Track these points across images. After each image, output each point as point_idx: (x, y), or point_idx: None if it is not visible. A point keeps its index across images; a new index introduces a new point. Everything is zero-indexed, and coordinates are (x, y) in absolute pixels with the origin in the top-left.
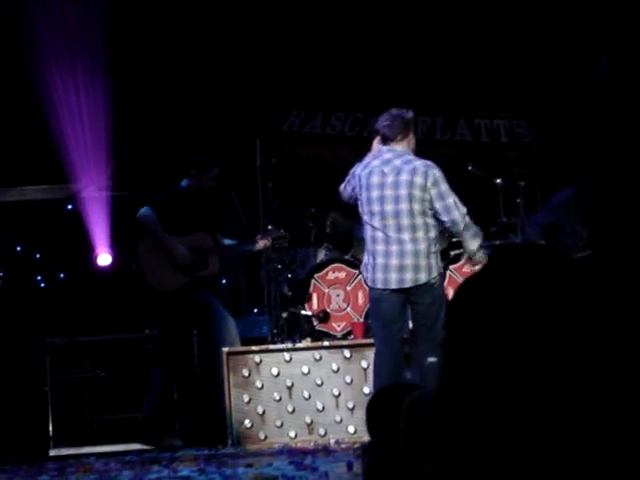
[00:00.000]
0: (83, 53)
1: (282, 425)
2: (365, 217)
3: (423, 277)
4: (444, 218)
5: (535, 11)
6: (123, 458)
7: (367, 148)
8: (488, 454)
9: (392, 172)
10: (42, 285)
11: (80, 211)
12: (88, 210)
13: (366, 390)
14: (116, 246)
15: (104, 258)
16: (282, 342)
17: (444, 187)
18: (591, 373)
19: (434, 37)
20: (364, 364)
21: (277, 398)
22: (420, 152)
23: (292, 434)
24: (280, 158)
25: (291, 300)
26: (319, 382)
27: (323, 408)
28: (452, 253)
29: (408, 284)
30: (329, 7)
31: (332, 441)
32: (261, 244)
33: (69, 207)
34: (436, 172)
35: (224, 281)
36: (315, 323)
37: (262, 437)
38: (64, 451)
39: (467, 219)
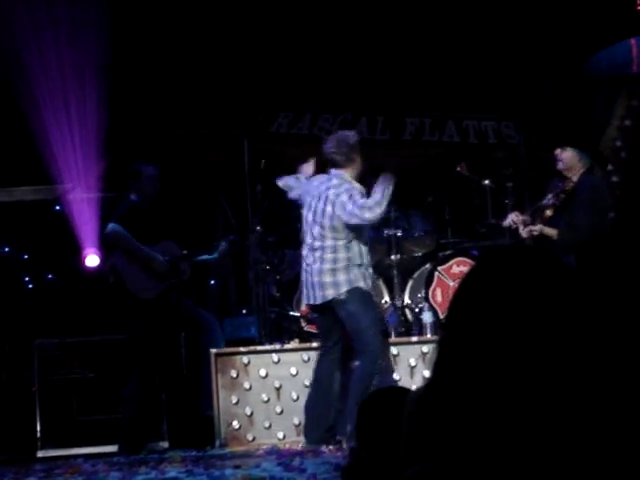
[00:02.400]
0: (72, 54)
1: (270, 426)
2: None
3: (330, 294)
4: (344, 217)
5: (524, 13)
6: (111, 459)
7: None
8: (483, 449)
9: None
10: (30, 286)
11: (68, 212)
12: (76, 211)
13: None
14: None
15: (92, 259)
16: (270, 343)
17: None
18: (580, 369)
19: (423, 38)
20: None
21: (265, 399)
22: (409, 153)
23: (280, 435)
24: (268, 159)
25: (279, 301)
26: (307, 383)
27: None
28: (440, 254)
29: (318, 300)
30: (318, 9)
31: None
32: (224, 249)
33: (57, 208)
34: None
35: (213, 282)
36: (303, 324)
37: (250, 438)
38: (52, 452)
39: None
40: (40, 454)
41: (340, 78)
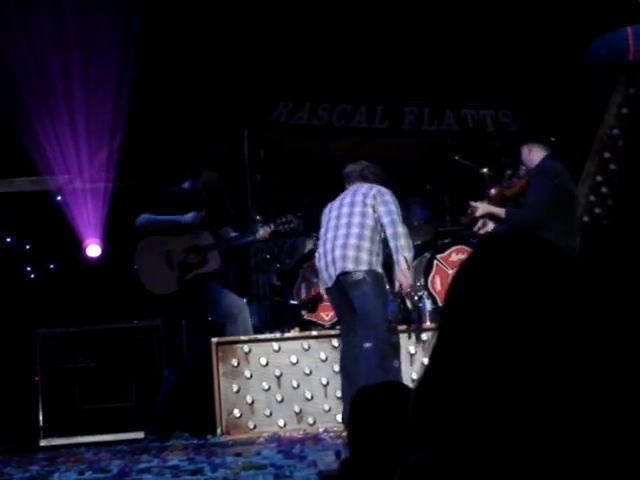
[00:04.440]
0: (76, 45)
1: (271, 414)
2: None
3: (349, 266)
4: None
5: (522, 1)
6: (113, 448)
7: (354, 138)
8: (482, 436)
9: None
10: (32, 276)
11: (70, 202)
12: (78, 201)
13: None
14: (105, 237)
15: (93, 249)
16: (271, 332)
17: None
18: (579, 356)
19: (422, 28)
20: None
21: (266, 387)
22: (407, 142)
23: (281, 423)
24: (268, 148)
25: (280, 290)
26: (308, 371)
27: (312, 397)
28: (439, 243)
29: (338, 271)
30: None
31: (321, 430)
32: (262, 232)
33: (59, 198)
34: None
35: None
36: (303, 313)
37: (251, 426)
38: (54, 441)
39: None
40: (43, 443)
41: (339, 68)
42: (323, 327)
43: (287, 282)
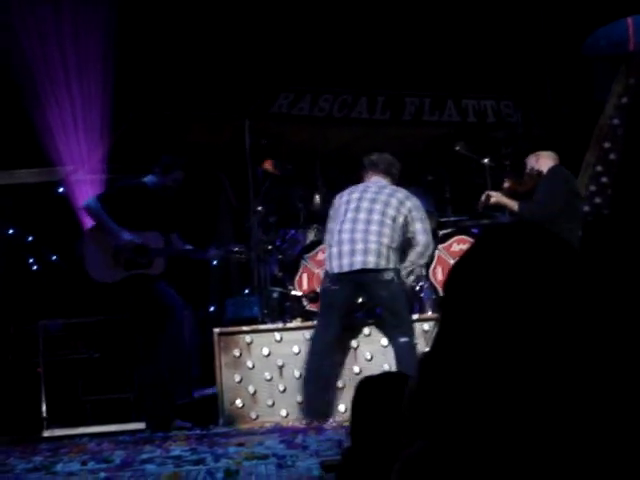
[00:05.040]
0: (75, 38)
1: (273, 404)
2: None
3: (371, 262)
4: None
5: None
6: (116, 438)
7: (355, 129)
8: (482, 427)
9: None
10: (34, 268)
11: (72, 194)
12: (80, 193)
13: (356, 369)
14: None
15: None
16: (273, 322)
17: None
18: (580, 349)
19: (423, 19)
20: (354, 343)
21: (268, 378)
22: (408, 133)
23: (283, 413)
24: (269, 139)
25: (281, 280)
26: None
27: None
28: (440, 233)
29: (357, 266)
30: None
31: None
32: (213, 254)
33: (61, 190)
34: None
35: (215, 262)
36: (305, 303)
37: (253, 416)
38: (57, 432)
39: None
40: (46, 434)
41: (340, 59)
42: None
43: (289, 273)
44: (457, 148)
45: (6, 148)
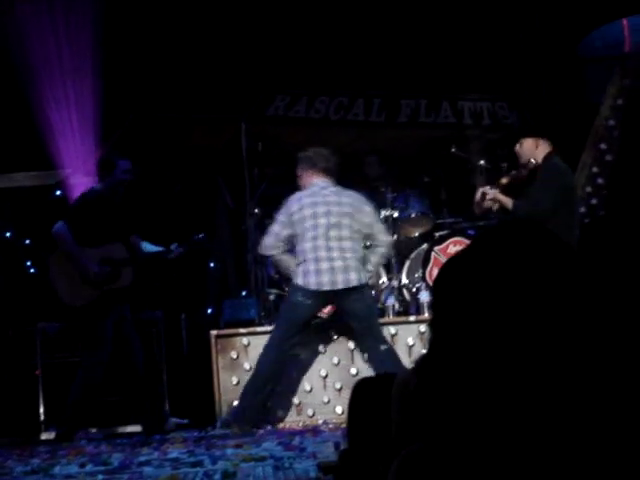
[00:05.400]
0: (70, 39)
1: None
2: None
3: (353, 279)
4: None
5: None
6: (114, 441)
7: (351, 131)
8: (477, 428)
9: None
10: (32, 271)
11: (69, 197)
12: (77, 195)
13: (353, 371)
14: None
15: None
16: (270, 324)
17: None
18: (575, 348)
19: (418, 21)
20: (351, 345)
21: None
22: (404, 135)
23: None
24: (266, 142)
25: (278, 283)
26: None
27: (311, 389)
28: (436, 235)
29: (339, 285)
30: None
31: (320, 421)
32: (176, 253)
33: (58, 193)
34: None
35: (212, 265)
36: None
37: None
38: (55, 434)
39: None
40: (44, 436)
41: (336, 61)
42: (322, 319)
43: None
44: (453, 150)
45: (3, 151)
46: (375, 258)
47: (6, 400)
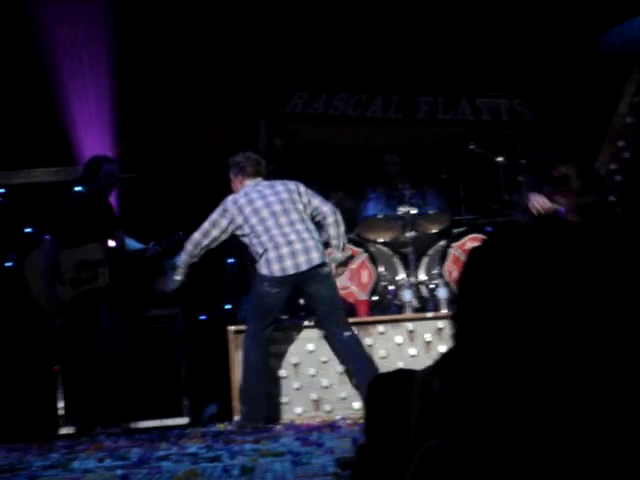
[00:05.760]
0: (89, 36)
1: (288, 402)
2: None
3: (315, 258)
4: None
5: None
6: (132, 436)
7: (369, 128)
8: (500, 426)
9: None
10: None
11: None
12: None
13: None
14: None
15: (110, 240)
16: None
17: None
18: (603, 339)
19: (435, 17)
20: (369, 341)
21: (283, 375)
22: (422, 132)
23: (298, 411)
24: (284, 138)
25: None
26: (324, 359)
27: (328, 385)
28: (454, 231)
29: (304, 267)
30: None
31: (337, 417)
32: (152, 251)
33: (77, 189)
34: None
35: (231, 260)
36: None
37: None
38: (74, 429)
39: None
40: (63, 431)
41: (354, 58)
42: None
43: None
44: (471, 147)
45: (24, 147)
46: (333, 230)
47: (25, 395)
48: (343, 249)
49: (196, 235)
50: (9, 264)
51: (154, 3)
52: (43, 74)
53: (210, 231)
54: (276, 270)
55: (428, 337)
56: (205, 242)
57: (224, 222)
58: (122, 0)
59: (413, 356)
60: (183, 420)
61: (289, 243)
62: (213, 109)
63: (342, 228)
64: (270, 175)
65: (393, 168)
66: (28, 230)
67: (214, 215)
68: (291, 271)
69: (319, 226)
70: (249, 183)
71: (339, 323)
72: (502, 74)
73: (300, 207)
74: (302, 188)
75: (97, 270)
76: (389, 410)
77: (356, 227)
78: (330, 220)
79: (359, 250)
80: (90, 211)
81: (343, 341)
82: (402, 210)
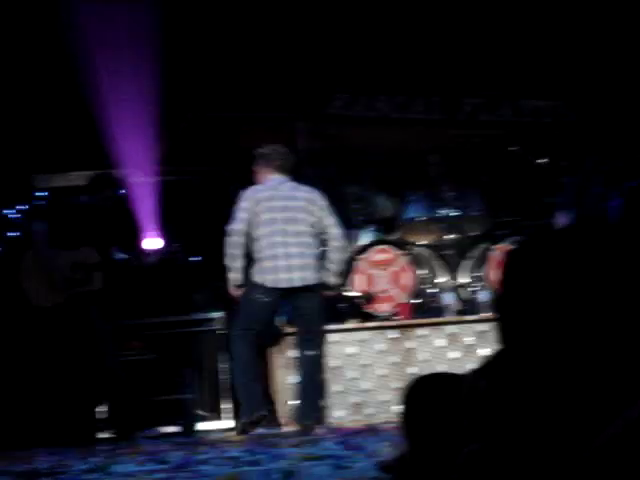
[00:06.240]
0: (131, 38)
1: (329, 406)
2: None
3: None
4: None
5: None
6: (173, 439)
7: (410, 130)
8: (546, 430)
9: None
10: None
11: (128, 196)
12: (135, 195)
13: (412, 371)
14: (163, 230)
15: (152, 242)
16: (328, 324)
17: None
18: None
19: (479, 19)
20: (410, 345)
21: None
22: (464, 133)
23: (340, 414)
24: (324, 141)
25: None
26: (365, 363)
27: (369, 389)
28: (496, 234)
29: (296, 283)
30: None
31: (379, 421)
32: (149, 260)
33: (117, 192)
34: None
35: None
36: (360, 304)
37: None
38: (115, 433)
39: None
40: (103, 435)
41: (395, 60)
42: (380, 319)
43: (345, 274)
44: (513, 148)
45: (63, 151)
46: (334, 254)
47: (65, 398)
48: (337, 276)
49: (228, 240)
50: None
51: (195, 6)
52: (83, 76)
53: (236, 227)
54: (269, 280)
55: (469, 340)
56: (238, 239)
57: (242, 214)
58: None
59: (454, 359)
60: (224, 424)
61: (288, 256)
62: (253, 111)
63: (343, 255)
64: (310, 178)
65: (433, 169)
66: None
67: (235, 213)
68: (283, 285)
69: (323, 244)
70: (274, 177)
71: (309, 340)
72: (544, 76)
73: (311, 220)
74: (321, 202)
75: (91, 272)
76: (429, 413)
77: (397, 230)
78: (335, 244)
79: (400, 253)
80: (89, 219)
81: (304, 358)
82: (443, 212)
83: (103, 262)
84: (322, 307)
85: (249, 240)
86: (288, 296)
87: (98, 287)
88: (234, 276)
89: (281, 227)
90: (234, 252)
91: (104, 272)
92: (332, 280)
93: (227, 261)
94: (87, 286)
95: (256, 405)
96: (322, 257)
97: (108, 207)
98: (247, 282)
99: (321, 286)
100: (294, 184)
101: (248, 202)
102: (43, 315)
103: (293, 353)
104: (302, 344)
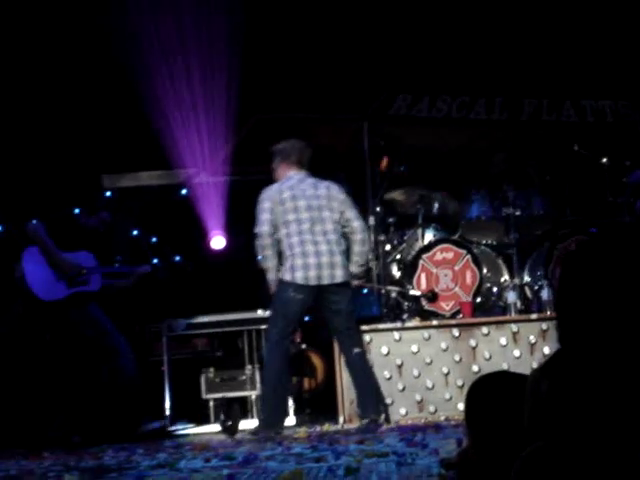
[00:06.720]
0: (199, 38)
1: (393, 403)
2: None
3: (339, 275)
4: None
5: None
6: (238, 436)
7: (473, 130)
8: (607, 428)
9: None
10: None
11: (194, 196)
12: (202, 195)
13: (475, 368)
14: (230, 229)
15: (218, 241)
16: (392, 321)
17: None
18: None
19: (541, 19)
20: (473, 343)
21: (387, 376)
22: (526, 133)
23: (403, 411)
24: (388, 141)
25: (400, 280)
26: (428, 360)
27: (433, 386)
28: (559, 233)
29: (325, 281)
30: None
31: (442, 418)
32: (144, 270)
33: (183, 192)
34: None
35: None
36: (424, 303)
37: None
38: (181, 429)
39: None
40: (169, 431)
41: (457, 60)
42: (443, 317)
43: (407, 272)
44: (575, 148)
45: (131, 151)
46: (357, 247)
47: (132, 396)
48: (361, 267)
49: (257, 243)
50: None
51: (263, 7)
52: (149, 77)
53: (263, 229)
54: (299, 278)
55: (532, 339)
56: (266, 241)
57: (266, 215)
58: (232, 3)
59: (517, 358)
60: (289, 420)
61: (317, 254)
62: (318, 112)
63: (367, 247)
64: (375, 178)
65: (496, 168)
66: (134, 232)
67: (258, 216)
68: (313, 282)
69: (345, 237)
70: (293, 174)
71: (351, 338)
72: (606, 76)
73: (336, 217)
74: (342, 196)
75: (90, 275)
76: (492, 411)
77: (459, 229)
78: (358, 237)
79: (462, 251)
80: (83, 229)
81: (351, 357)
82: (506, 211)
83: (100, 266)
84: (353, 304)
85: (277, 240)
86: (319, 294)
87: (96, 288)
88: (272, 276)
89: (308, 226)
90: (266, 253)
91: (101, 276)
92: (356, 270)
93: (262, 263)
94: (85, 287)
95: (271, 422)
96: (346, 251)
97: (101, 230)
98: (279, 283)
99: (348, 282)
100: (313, 180)
101: (270, 202)
102: (52, 309)
103: (338, 351)
104: (345, 342)
